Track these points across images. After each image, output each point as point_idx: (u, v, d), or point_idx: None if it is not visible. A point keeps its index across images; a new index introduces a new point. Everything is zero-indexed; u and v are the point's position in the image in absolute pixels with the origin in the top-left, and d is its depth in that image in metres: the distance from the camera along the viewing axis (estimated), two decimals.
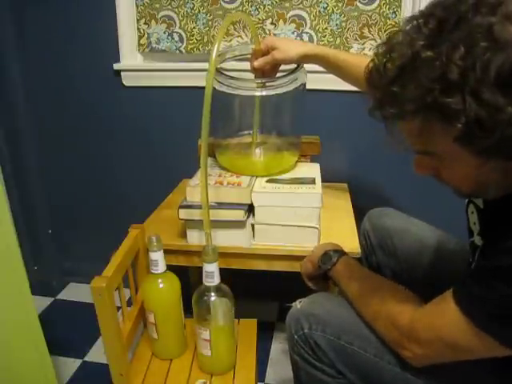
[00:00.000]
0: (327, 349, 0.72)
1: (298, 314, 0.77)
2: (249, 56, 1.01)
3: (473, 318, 0.56)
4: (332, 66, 0.96)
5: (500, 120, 0.44)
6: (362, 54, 1.25)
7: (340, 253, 0.84)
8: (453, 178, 0.58)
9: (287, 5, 1.27)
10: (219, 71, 0.97)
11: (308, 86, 1.05)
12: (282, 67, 0.99)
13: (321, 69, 0.99)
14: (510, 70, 0.43)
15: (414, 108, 0.49)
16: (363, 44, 1.27)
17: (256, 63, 0.96)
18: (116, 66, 1.38)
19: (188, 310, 0.89)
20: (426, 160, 0.58)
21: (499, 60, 0.43)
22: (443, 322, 0.60)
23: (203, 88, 0.81)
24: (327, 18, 1.26)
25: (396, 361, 0.68)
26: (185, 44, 1.35)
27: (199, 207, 0.88)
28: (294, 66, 1.00)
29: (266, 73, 0.98)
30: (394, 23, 1.24)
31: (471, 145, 0.48)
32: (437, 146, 0.53)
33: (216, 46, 0.81)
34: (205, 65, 0.87)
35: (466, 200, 0.72)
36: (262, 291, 1.46)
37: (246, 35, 1.31)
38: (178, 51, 1.36)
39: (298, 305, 0.79)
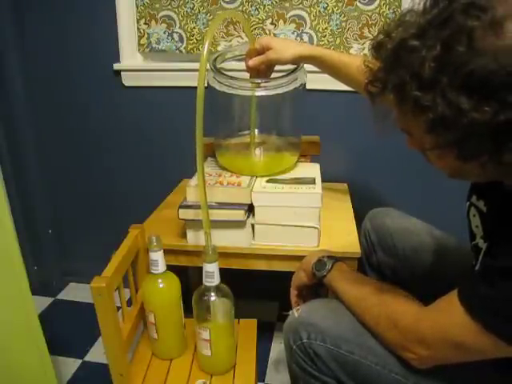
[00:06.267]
0: (327, 359, 0.71)
1: (296, 323, 0.74)
2: None
3: (479, 318, 0.56)
4: (327, 67, 0.96)
5: (462, 122, 0.47)
6: (357, 55, 1.25)
7: (334, 259, 0.83)
8: (434, 161, 0.59)
9: (287, 5, 1.27)
10: (219, 71, 0.97)
11: (308, 86, 1.05)
12: (282, 67, 0.99)
13: None
14: (478, 78, 0.45)
15: (393, 95, 0.53)
16: (363, 44, 1.27)
17: (250, 62, 0.95)
18: (116, 66, 1.39)
19: (188, 310, 0.89)
20: (411, 141, 0.59)
21: (470, 67, 0.45)
22: (449, 322, 0.60)
23: (204, 88, 0.81)
24: (327, 18, 1.26)
25: (398, 369, 0.68)
26: (185, 44, 1.35)
27: (199, 207, 0.88)
28: (290, 66, 0.99)
29: (261, 72, 0.98)
30: None
31: (438, 136, 0.51)
32: (413, 130, 0.56)
33: (206, 43, 0.81)
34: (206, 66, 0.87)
35: (467, 204, 0.72)
36: (262, 291, 1.46)
37: (246, 35, 1.31)
38: (177, 51, 1.36)
39: (295, 313, 0.76)
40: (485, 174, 0.55)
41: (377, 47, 0.56)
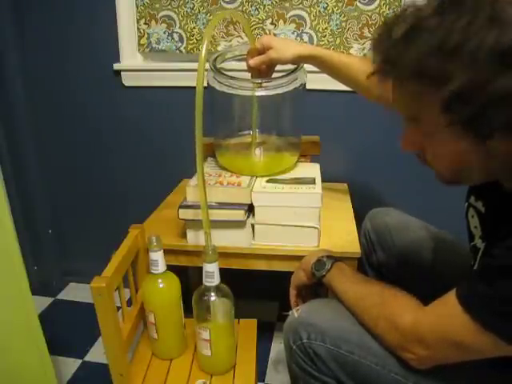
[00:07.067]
0: (327, 359, 0.71)
1: (296, 323, 0.74)
2: None
3: (478, 317, 0.56)
4: (327, 67, 0.96)
5: (483, 91, 0.47)
6: (357, 56, 1.25)
7: (333, 258, 0.82)
8: (436, 157, 0.58)
9: (287, 5, 1.27)
10: (219, 71, 0.97)
11: (308, 86, 1.05)
12: (283, 67, 0.99)
13: None
14: (502, 47, 0.46)
15: (410, 71, 0.52)
16: (363, 44, 1.27)
17: (251, 62, 0.96)
18: (116, 66, 1.39)
19: (188, 310, 0.89)
20: (412, 134, 0.59)
21: (493, 37, 0.46)
22: (448, 322, 0.59)
23: (203, 88, 0.81)
24: (327, 18, 1.26)
25: (398, 369, 0.68)
26: (185, 44, 1.35)
27: (199, 207, 0.88)
28: (291, 65, 0.99)
29: (262, 72, 0.98)
30: None
31: (454, 113, 0.51)
32: (424, 114, 0.55)
33: (205, 42, 0.81)
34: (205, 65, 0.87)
35: (466, 204, 0.72)
36: (262, 291, 1.46)
37: (246, 35, 1.31)
38: (178, 51, 1.37)
39: (295, 313, 0.76)
40: (486, 170, 0.55)
41: (383, 33, 0.55)
